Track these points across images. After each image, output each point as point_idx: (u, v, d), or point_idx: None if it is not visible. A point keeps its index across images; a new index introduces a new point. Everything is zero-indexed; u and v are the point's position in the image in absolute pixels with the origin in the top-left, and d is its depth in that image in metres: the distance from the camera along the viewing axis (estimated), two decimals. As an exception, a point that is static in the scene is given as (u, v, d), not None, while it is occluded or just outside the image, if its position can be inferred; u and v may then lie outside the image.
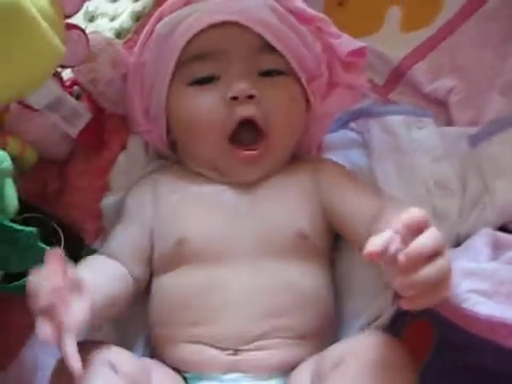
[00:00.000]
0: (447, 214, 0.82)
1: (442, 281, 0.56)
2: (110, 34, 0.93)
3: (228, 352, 0.71)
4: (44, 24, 0.66)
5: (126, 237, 0.79)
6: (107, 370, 0.61)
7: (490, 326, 0.64)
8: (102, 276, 0.70)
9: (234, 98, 0.75)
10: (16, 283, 0.70)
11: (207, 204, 0.78)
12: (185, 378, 0.72)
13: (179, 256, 0.75)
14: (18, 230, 0.64)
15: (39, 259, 0.65)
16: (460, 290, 0.67)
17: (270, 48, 0.78)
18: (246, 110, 0.75)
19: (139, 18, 0.93)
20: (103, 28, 0.94)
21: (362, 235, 0.71)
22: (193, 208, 0.78)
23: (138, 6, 0.94)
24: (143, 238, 0.79)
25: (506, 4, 0.86)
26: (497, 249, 0.74)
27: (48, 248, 0.66)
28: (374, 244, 0.54)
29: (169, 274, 0.76)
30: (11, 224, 0.64)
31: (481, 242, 0.74)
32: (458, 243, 0.81)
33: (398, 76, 0.93)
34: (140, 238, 0.79)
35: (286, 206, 0.77)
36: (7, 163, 0.62)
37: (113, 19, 0.95)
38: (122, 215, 0.82)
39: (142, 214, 0.80)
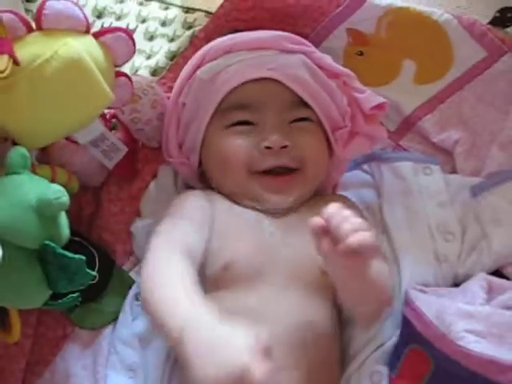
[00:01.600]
0: (447, 256, 0.89)
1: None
2: (145, 72, 0.99)
3: None
4: (99, 75, 0.74)
5: (198, 236, 0.79)
6: None
7: (481, 363, 0.72)
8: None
9: (268, 148, 0.82)
10: (60, 301, 0.77)
11: (248, 230, 0.82)
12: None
13: (222, 279, 0.79)
14: (69, 257, 0.70)
15: (84, 283, 0.73)
16: (457, 328, 0.75)
17: (302, 103, 0.86)
18: (277, 160, 0.83)
19: (174, 57, 0.99)
20: (139, 65, 1.01)
21: None
22: (237, 232, 0.82)
23: (173, 46, 1.00)
24: (203, 243, 0.80)
25: (511, 68, 0.93)
26: (491, 292, 0.82)
27: (94, 273, 0.73)
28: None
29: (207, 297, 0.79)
30: (64, 252, 0.70)
31: (477, 285, 0.82)
32: (455, 283, 0.89)
33: (408, 124, 0.99)
34: (204, 240, 0.80)
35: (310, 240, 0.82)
36: (65, 198, 0.69)
37: (149, 57, 1.02)
38: (176, 212, 0.83)
39: (203, 218, 0.82)
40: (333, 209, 0.69)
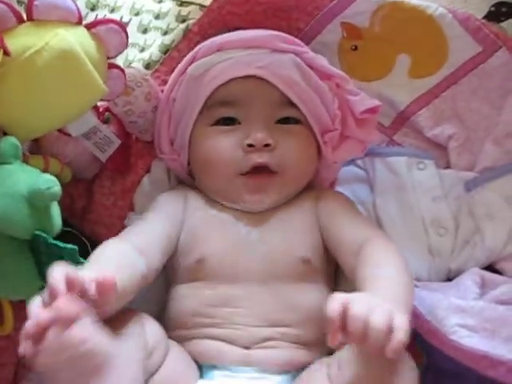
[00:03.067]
0: (440, 250, 0.90)
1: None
2: (138, 65, 0.98)
3: (240, 347, 0.77)
4: (91, 67, 0.74)
5: (161, 228, 0.82)
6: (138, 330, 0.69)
7: (473, 357, 0.72)
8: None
9: (251, 145, 0.82)
10: None
11: (224, 228, 0.84)
12: (200, 367, 0.77)
13: (197, 272, 0.81)
14: (61, 247, 0.70)
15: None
16: (449, 323, 0.75)
17: (290, 103, 0.85)
18: (260, 157, 0.82)
19: (167, 50, 0.98)
20: (133, 58, 1.00)
21: (349, 264, 0.80)
22: (213, 229, 0.84)
23: (166, 40, 0.99)
24: (173, 235, 0.83)
25: (505, 63, 0.93)
26: (483, 287, 0.82)
27: (86, 263, 0.71)
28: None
29: (186, 285, 0.82)
30: (56, 242, 0.70)
31: (470, 280, 0.82)
32: (448, 277, 0.90)
33: (403, 119, 0.99)
34: (171, 234, 0.83)
35: (290, 235, 0.83)
36: (57, 187, 0.68)
37: (142, 50, 1.01)
38: (152, 208, 0.86)
39: (175, 213, 0.85)
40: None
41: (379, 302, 0.62)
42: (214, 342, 0.78)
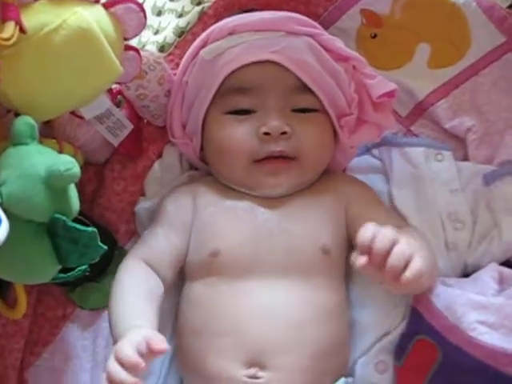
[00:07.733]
0: (457, 244, 0.88)
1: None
2: (153, 47, 0.96)
3: (249, 374, 0.75)
4: (108, 46, 0.71)
5: (168, 244, 0.82)
6: None
7: (493, 354, 0.72)
8: (148, 305, 0.76)
9: (267, 134, 0.80)
10: (71, 273, 0.76)
11: (240, 218, 0.82)
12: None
13: (211, 266, 0.80)
14: (80, 230, 0.68)
15: (96, 257, 0.71)
16: (468, 319, 0.74)
17: (305, 88, 0.83)
18: (276, 146, 0.81)
19: (182, 33, 0.96)
20: (146, 40, 0.97)
21: None
22: (227, 221, 0.82)
23: (181, 22, 0.97)
24: (183, 245, 0.83)
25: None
26: (502, 283, 0.81)
27: (105, 247, 0.70)
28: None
29: (198, 283, 0.81)
30: (74, 224, 0.68)
31: (488, 276, 0.81)
32: (465, 272, 0.88)
33: (421, 110, 0.97)
34: (180, 246, 0.83)
35: (311, 223, 0.82)
36: (76, 169, 0.65)
37: (156, 33, 0.98)
38: (160, 218, 0.85)
39: (183, 220, 0.84)
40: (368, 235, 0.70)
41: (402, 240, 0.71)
42: (225, 362, 0.75)
